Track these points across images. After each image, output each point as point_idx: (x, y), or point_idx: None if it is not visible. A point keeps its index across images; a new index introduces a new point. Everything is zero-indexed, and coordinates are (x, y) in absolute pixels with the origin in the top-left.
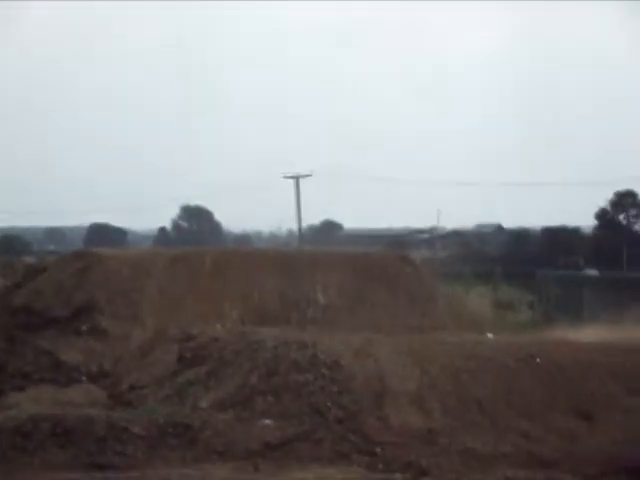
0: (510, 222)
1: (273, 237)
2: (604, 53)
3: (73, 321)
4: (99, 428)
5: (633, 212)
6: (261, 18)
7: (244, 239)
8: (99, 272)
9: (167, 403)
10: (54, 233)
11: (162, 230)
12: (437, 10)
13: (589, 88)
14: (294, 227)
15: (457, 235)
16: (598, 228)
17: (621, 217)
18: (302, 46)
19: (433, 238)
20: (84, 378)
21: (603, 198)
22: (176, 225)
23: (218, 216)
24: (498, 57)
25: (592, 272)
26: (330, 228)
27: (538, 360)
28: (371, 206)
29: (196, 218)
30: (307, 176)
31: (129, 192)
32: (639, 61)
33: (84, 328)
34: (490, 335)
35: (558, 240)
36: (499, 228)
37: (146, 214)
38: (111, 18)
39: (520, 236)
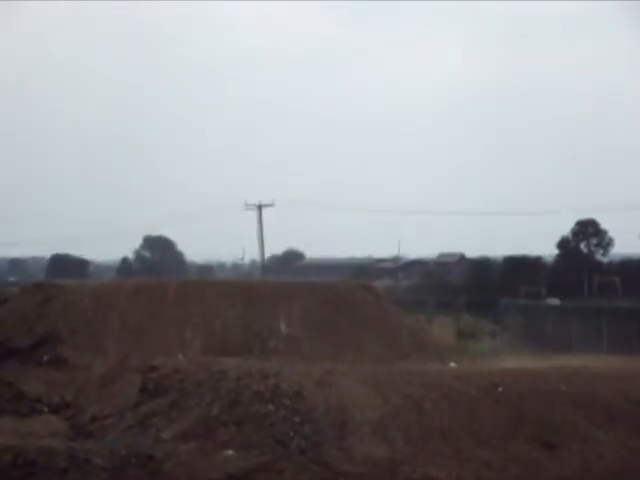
0: (472, 251)
1: (236, 267)
2: (567, 85)
3: (35, 352)
4: (61, 459)
5: (594, 241)
6: (221, 46)
7: (207, 269)
8: (61, 303)
9: (129, 434)
10: (16, 264)
11: (124, 260)
12: (393, 47)
13: (550, 120)
14: (257, 257)
15: (420, 264)
16: (560, 257)
17: (582, 246)
18: (269, 75)
19: (396, 267)
20: (46, 409)
21: (565, 227)
22: (139, 255)
23: (181, 246)
24: (460, 89)
25: (554, 301)
26: (292, 258)
27: (500, 389)
28: (333, 235)
29: (159, 248)
30: (269, 206)
31: (91, 222)
32: (593, 89)
33: (46, 359)
34: (453, 364)
35: (520, 269)
36: (461, 257)
37: (108, 244)
38: None
39: (482, 265)
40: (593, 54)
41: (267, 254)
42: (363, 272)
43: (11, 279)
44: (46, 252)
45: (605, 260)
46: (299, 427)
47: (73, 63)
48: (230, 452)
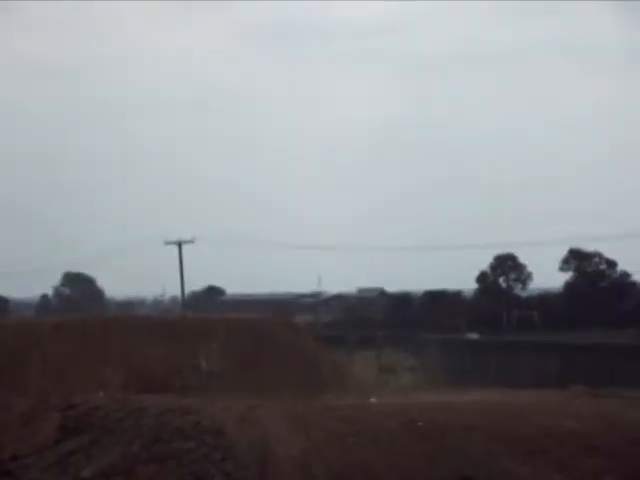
0: (392, 286)
1: (156, 303)
2: (489, 117)
3: None
4: None
5: (513, 275)
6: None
7: (127, 306)
8: None
9: (49, 473)
10: None
11: (44, 297)
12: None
13: (470, 153)
14: (177, 293)
15: (340, 300)
16: (479, 291)
17: (501, 280)
18: (188, 112)
19: (317, 303)
20: None
21: (483, 262)
22: (58, 292)
23: (100, 283)
24: (379, 122)
25: (473, 335)
26: (213, 294)
27: (420, 424)
28: (254, 271)
29: (78, 285)
30: (189, 242)
31: (7, 259)
32: (516, 118)
33: None
34: (373, 399)
35: (440, 304)
36: (381, 292)
37: (27, 281)
38: None
39: (402, 300)
40: (513, 87)
41: (188, 290)
42: (284, 308)
43: None
44: None
45: (524, 294)
46: (221, 464)
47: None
48: None
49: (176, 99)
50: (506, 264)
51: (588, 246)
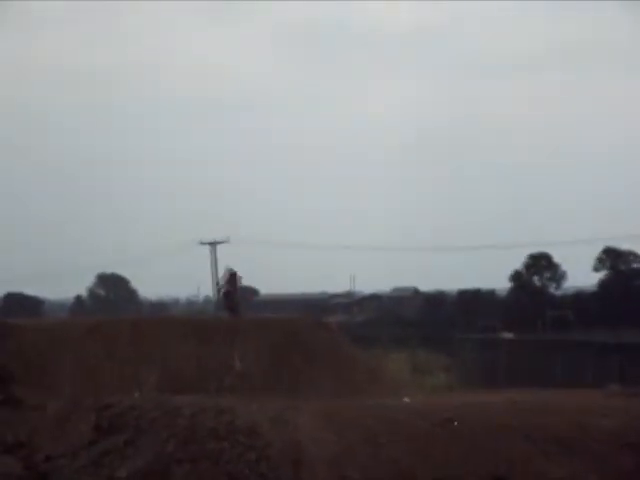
0: (426, 286)
1: (190, 304)
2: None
3: None
4: None
5: (547, 274)
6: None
7: (161, 306)
8: (14, 342)
9: (84, 473)
10: None
11: (78, 299)
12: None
13: (503, 153)
14: (211, 294)
15: (374, 299)
16: (513, 291)
17: (535, 279)
18: (219, 115)
19: (350, 303)
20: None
21: (518, 261)
22: (92, 293)
23: (134, 283)
24: (411, 127)
25: (508, 335)
26: (247, 294)
27: (455, 423)
28: (287, 271)
29: (112, 286)
30: (223, 242)
31: (44, 260)
32: (547, 129)
33: None
34: (407, 399)
35: (474, 303)
36: (415, 292)
37: (61, 283)
38: None
39: (436, 300)
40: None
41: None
42: (317, 308)
43: None
44: (2, 291)
45: (558, 293)
46: (254, 464)
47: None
48: None
49: (207, 101)
50: (540, 263)
51: (622, 244)
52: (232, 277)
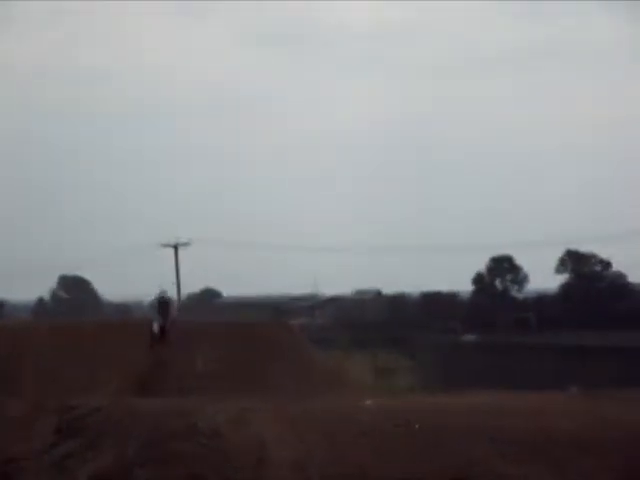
0: (388, 288)
1: (153, 306)
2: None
3: None
4: None
5: (509, 277)
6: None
7: (124, 308)
8: None
9: (45, 476)
10: None
11: (40, 300)
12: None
13: (464, 154)
14: (174, 296)
15: (336, 302)
16: (475, 293)
17: (497, 282)
18: (195, 117)
19: (312, 305)
20: None
21: (480, 263)
22: (54, 295)
23: (97, 285)
24: (379, 117)
25: (470, 337)
26: (209, 296)
27: (417, 426)
28: (250, 273)
29: (74, 288)
30: (186, 244)
31: (3, 261)
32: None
33: None
34: (369, 401)
35: (436, 305)
36: (378, 294)
37: (23, 284)
38: None
39: (399, 302)
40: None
41: (184, 293)
42: (280, 310)
43: None
44: None
45: (520, 296)
46: (216, 465)
47: None
48: None
49: (178, 102)
50: (502, 266)
51: (584, 247)
52: (164, 304)
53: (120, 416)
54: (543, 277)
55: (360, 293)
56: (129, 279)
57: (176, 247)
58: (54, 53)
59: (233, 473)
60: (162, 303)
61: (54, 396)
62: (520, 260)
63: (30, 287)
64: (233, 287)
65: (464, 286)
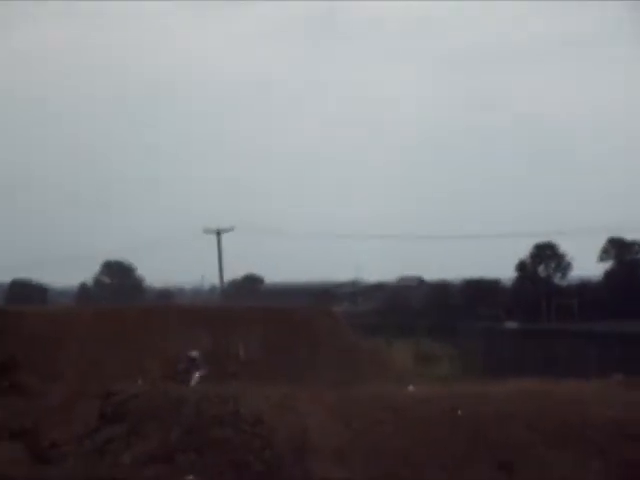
0: (431, 275)
1: (195, 292)
2: (524, 107)
3: None
4: None
5: (552, 264)
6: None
7: (166, 295)
8: (18, 329)
9: (88, 460)
10: None
11: (83, 286)
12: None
13: (509, 143)
14: (216, 282)
15: (379, 288)
16: (518, 280)
17: (540, 269)
18: (229, 104)
19: (355, 292)
20: (4, 435)
21: (523, 250)
22: (97, 281)
23: (140, 272)
24: (423, 108)
25: (512, 324)
26: (252, 282)
27: (459, 412)
28: (293, 260)
29: (117, 274)
30: (228, 231)
31: (47, 247)
32: (554, 112)
33: (4, 385)
34: (411, 388)
35: (479, 292)
36: (420, 281)
37: (66, 270)
38: None
39: (441, 289)
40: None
41: (226, 279)
42: (322, 297)
43: None
44: (7, 278)
45: (563, 283)
46: (259, 452)
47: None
48: (190, 477)
49: (204, 93)
50: (545, 253)
51: (628, 235)
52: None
53: (162, 402)
54: (587, 265)
55: (403, 280)
56: (172, 265)
57: (219, 233)
58: None
59: (275, 459)
60: (192, 360)
61: (96, 381)
62: (564, 247)
63: (73, 273)
64: (276, 273)
65: (508, 273)
